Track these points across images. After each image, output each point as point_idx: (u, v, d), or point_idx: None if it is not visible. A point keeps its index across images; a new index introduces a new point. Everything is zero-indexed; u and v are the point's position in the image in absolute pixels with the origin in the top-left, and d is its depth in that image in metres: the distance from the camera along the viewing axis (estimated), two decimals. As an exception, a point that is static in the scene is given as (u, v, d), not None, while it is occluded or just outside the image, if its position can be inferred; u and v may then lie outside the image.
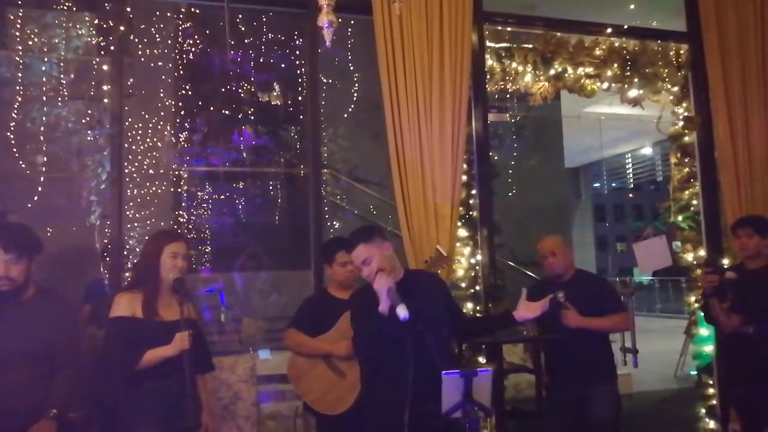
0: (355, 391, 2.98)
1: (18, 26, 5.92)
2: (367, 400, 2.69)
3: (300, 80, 7.28)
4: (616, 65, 4.57)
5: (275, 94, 7.90)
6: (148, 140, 6.32)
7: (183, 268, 2.69)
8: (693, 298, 4.71)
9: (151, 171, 6.30)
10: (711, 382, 4.56)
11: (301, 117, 7.50)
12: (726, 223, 4.45)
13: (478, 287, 4.07)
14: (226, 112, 7.17)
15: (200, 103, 7.09)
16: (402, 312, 2.29)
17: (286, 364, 3.26)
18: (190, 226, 6.94)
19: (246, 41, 7.02)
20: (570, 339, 3.39)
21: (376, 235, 2.60)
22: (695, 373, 4.73)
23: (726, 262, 4.47)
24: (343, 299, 3.15)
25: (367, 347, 2.57)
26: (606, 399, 3.43)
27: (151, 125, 6.35)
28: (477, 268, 4.09)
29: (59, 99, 6.01)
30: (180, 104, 6.84)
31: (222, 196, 7.24)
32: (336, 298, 3.22)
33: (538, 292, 3.71)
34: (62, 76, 6.03)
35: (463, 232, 4.05)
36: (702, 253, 4.67)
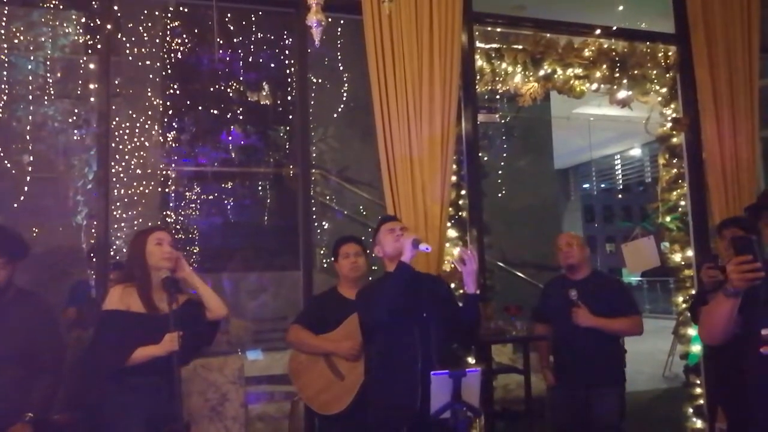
0: (351, 394, 2.96)
1: (3, 24, 5.85)
2: (373, 388, 2.76)
3: (289, 80, 7.25)
4: (604, 66, 4.58)
5: (264, 93, 7.87)
6: (135, 140, 6.26)
7: (172, 255, 2.65)
8: (681, 299, 4.73)
9: (138, 171, 6.24)
10: (698, 382, 4.58)
11: (290, 117, 7.49)
12: (713, 224, 4.47)
13: (467, 288, 4.06)
14: (215, 112, 7.14)
15: (188, 102, 7.05)
16: (424, 246, 2.60)
17: (284, 362, 3.26)
18: (178, 227, 6.89)
19: (234, 40, 6.99)
20: (579, 338, 3.38)
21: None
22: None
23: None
24: (352, 299, 3.10)
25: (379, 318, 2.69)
26: (610, 401, 3.41)
27: (138, 124, 6.29)
28: (466, 268, 4.07)
29: (45, 98, 5.94)
30: (168, 104, 6.80)
31: (210, 196, 7.20)
32: (345, 297, 3.19)
33: (552, 289, 3.73)
34: (49, 74, 5.97)
35: (452, 233, 4.04)
36: (690, 253, 4.70)
